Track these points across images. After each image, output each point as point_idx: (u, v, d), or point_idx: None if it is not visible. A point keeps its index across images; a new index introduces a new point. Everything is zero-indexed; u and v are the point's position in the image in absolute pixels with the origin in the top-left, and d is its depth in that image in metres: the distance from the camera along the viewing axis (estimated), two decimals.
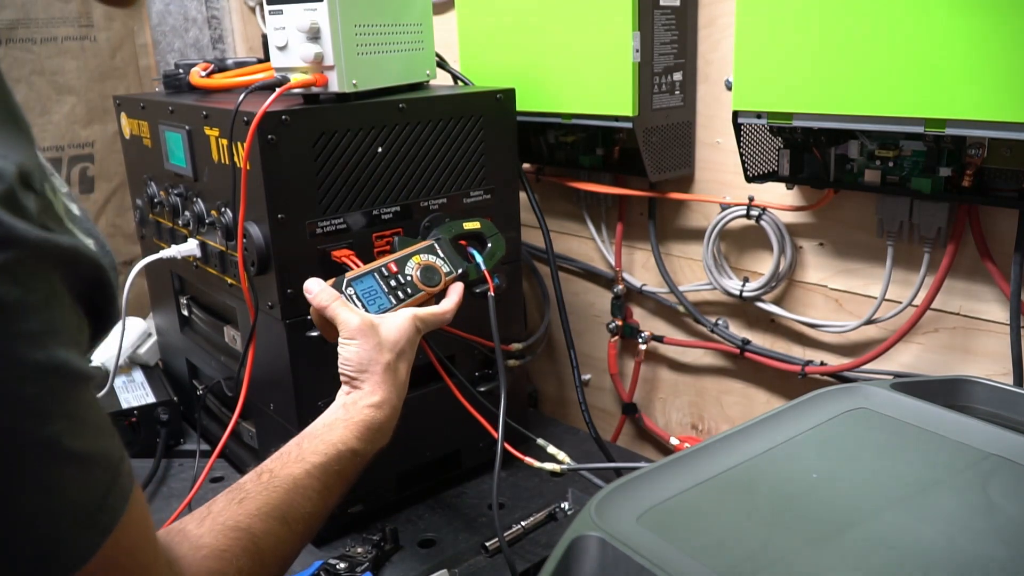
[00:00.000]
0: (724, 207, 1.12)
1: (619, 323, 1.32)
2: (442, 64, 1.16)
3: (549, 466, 0.94)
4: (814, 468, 0.64)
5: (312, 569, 0.92)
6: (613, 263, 1.30)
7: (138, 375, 1.35)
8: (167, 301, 1.32)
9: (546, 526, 1.02)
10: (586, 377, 1.44)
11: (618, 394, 1.37)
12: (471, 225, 0.98)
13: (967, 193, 0.89)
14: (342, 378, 0.79)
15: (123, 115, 1.29)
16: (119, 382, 1.31)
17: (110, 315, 0.45)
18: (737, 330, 1.20)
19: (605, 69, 1.07)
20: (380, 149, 0.96)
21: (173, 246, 1.11)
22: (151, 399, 1.25)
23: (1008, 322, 0.92)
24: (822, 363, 1.09)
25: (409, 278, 0.89)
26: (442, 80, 1.14)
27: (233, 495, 0.64)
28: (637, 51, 1.05)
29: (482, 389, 1.05)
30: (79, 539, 0.42)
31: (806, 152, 1.01)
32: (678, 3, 1.09)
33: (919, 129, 0.82)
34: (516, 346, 1.16)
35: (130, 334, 1.36)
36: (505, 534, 0.98)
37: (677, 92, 1.13)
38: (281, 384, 0.97)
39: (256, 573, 0.61)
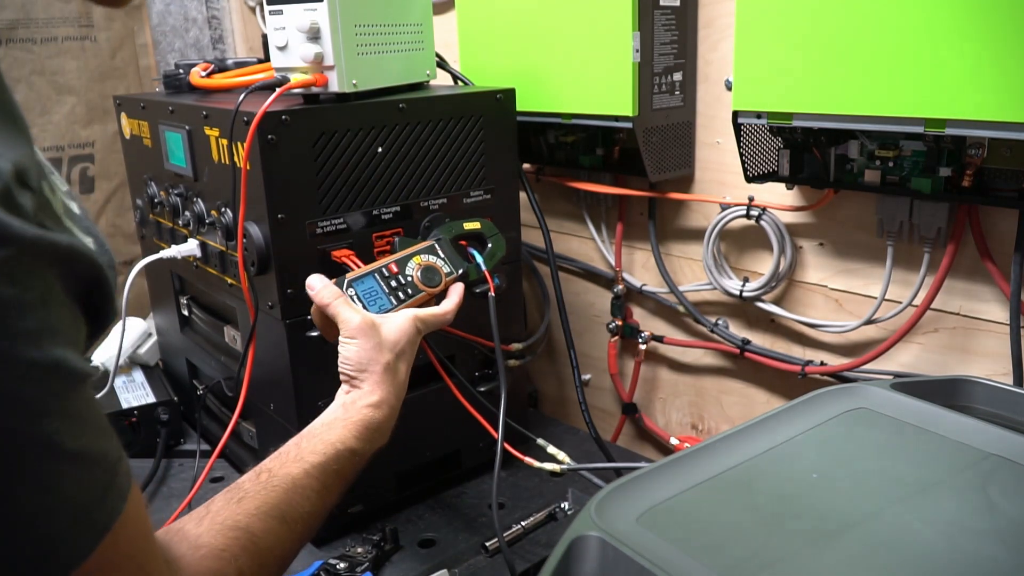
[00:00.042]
0: (724, 207, 1.12)
1: (619, 323, 1.32)
2: (442, 64, 1.16)
3: (549, 466, 0.94)
4: (814, 468, 0.64)
5: (312, 569, 0.92)
6: (613, 263, 1.30)
7: (138, 375, 1.35)
8: (167, 301, 1.32)
9: (546, 526, 1.02)
10: (586, 377, 1.44)
11: (618, 394, 1.37)
12: (471, 225, 0.98)
13: (967, 193, 0.89)
14: (341, 377, 0.79)
15: (123, 115, 1.29)
16: (119, 382, 1.31)
17: (108, 314, 0.45)
18: (737, 330, 1.20)
19: (605, 69, 1.07)
20: (380, 149, 0.96)
21: (173, 246, 1.11)
22: (151, 399, 1.25)
23: (1008, 322, 0.92)
24: (822, 363, 1.09)
25: (410, 279, 0.89)
26: (442, 80, 1.14)
27: (232, 494, 0.64)
28: (637, 51, 1.05)
29: (482, 389, 1.05)
30: (77, 538, 0.42)
31: (806, 152, 1.01)
32: (678, 3, 1.09)
33: (919, 129, 0.82)
34: (516, 346, 1.16)
35: (130, 334, 1.36)
36: (505, 534, 0.98)
37: (677, 92, 1.13)
38: (281, 384, 0.97)
39: (255, 572, 0.61)
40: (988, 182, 0.89)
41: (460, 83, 1.17)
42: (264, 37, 1.63)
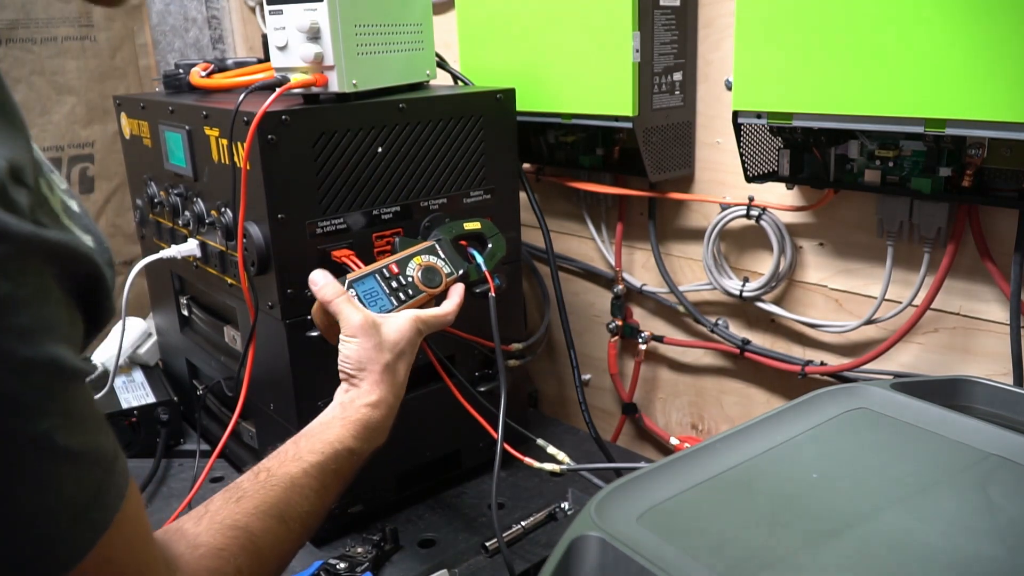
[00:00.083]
0: (724, 207, 1.12)
1: (619, 323, 1.32)
2: (442, 64, 1.16)
3: (549, 466, 0.94)
4: (814, 468, 0.64)
5: (312, 569, 0.92)
6: (613, 263, 1.30)
7: (138, 375, 1.35)
8: (167, 301, 1.32)
9: (546, 526, 1.02)
10: (586, 377, 1.44)
11: (618, 394, 1.37)
12: (471, 225, 0.98)
13: (967, 193, 0.89)
14: (341, 376, 0.80)
15: (123, 115, 1.29)
16: (119, 382, 1.31)
17: (106, 312, 0.44)
18: (737, 330, 1.20)
19: (605, 69, 1.07)
20: (380, 149, 0.96)
21: (173, 246, 1.11)
22: (151, 399, 1.25)
23: (1008, 322, 0.92)
24: (822, 363, 1.09)
25: (410, 279, 0.89)
26: (442, 80, 1.14)
27: (230, 494, 0.64)
28: (637, 51, 1.05)
29: (482, 389, 1.05)
30: (73, 536, 0.42)
31: (806, 152, 1.01)
32: (678, 3, 1.09)
33: (919, 129, 0.82)
34: (516, 346, 1.16)
35: (130, 334, 1.36)
36: (505, 534, 0.98)
37: (677, 92, 1.13)
38: (281, 384, 0.97)
39: (254, 571, 0.61)
40: (988, 182, 0.89)
41: (460, 83, 1.17)
42: (264, 37, 1.63)
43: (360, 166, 0.95)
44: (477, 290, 0.96)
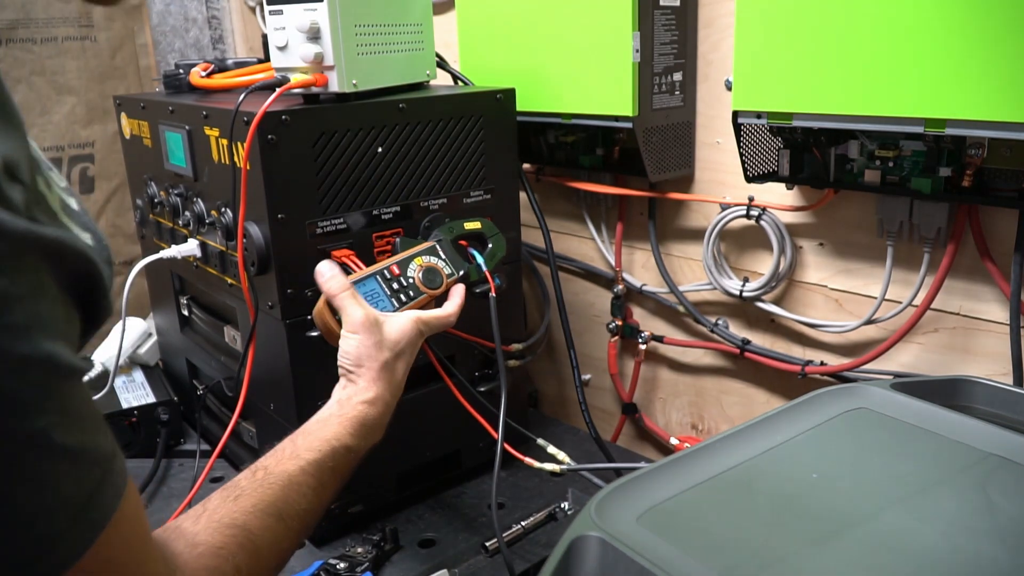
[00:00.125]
0: (724, 207, 1.12)
1: (619, 323, 1.32)
2: (442, 64, 1.16)
3: (549, 466, 0.94)
4: (814, 468, 0.64)
5: (312, 569, 0.92)
6: (613, 263, 1.30)
7: (138, 375, 1.35)
8: (167, 301, 1.32)
9: (546, 526, 1.02)
10: (586, 377, 1.44)
11: (618, 394, 1.37)
12: (472, 225, 0.98)
13: (967, 193, 0.89)
14: (340, 371, 0.80)
15: (123, 115, 1.29)
16: (119, 382, 1.31)
17: (103, 310, 0.44)
18: (737, 330, 1.20)
19: (605, 69, 1.07)
20: (380, 149, 0.96)
21: (173, 246, 1.11)
22: (151, 399, 1.25)
23: (1008, 322, 0.92)
24: (822, 363, 1.09)
25: (411, 280, 0.89)
26: (442, 80, 1.14)
27: (228, 492, 0.64)
28: (637, 51, 1.05)
29: (482, 389, 1.05)
30: (71, 535, 0.42)
31: (806, 152, 1.01)
32: (678, 3, 1.09)
33: (919, 129, 0.82)
34: (516, 346, 1.16)
35: (130, 334, 1.36)
36: (505, 534, 0.98)
37: (677, 92, 1.13)
38: (281, 384, 0.97)
39: (253, 569, 0.61)
40: (988, 182, 0.89)
41: (460, 83, 1.17)
42: (264, 37, 1.63)
43: (360, 166, 0.95)
44: (477, 290, 0.96)
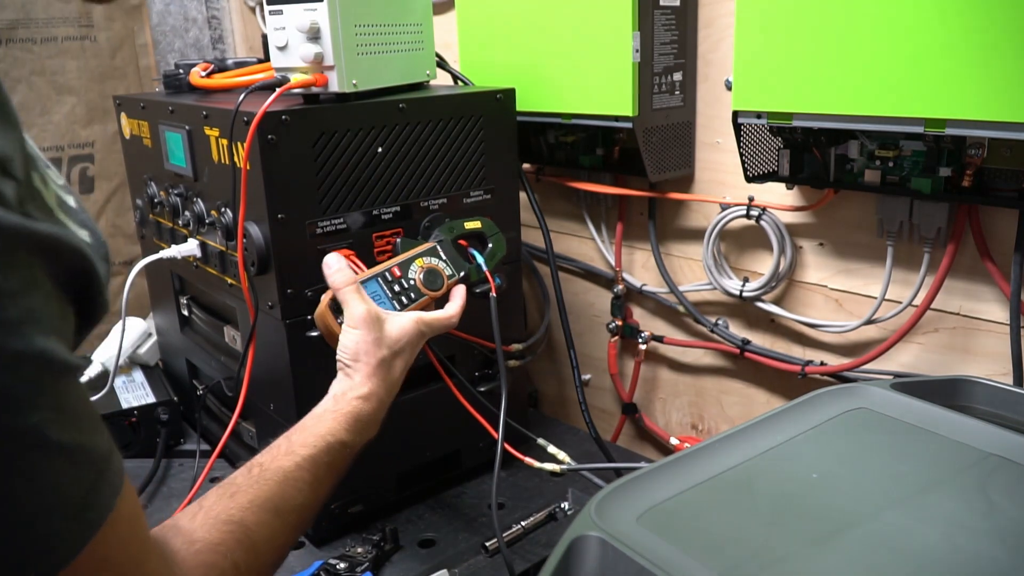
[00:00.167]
0: (724, 207, 1.12)
1: (619, 323, 1.32)
2: (442, 64, 1.16)
3: (549, 466, 0.94)
4: (814, 468, 0.63)
5: (312, 569, 0.92)
6: (613, 263, 1.30)
7: (138, 375, 1.35)
8: (167, 301, 1.32)
9: (546, 526, 1.02)
10: (586, 377, 1.44)
11: (618, 394, 1.37)
12: (472, 224, 0.98)
13: (967, 193, 0.89)
14: (338, 365, 0.81)
15: (123, 115, 1.29)
16: (119, 382, 1.31)
17: (98, 307, 0.44)
18: (737, 330, 1.20)
19: (605, 69, 1.07)
20: (380, 149, 0.96)
21: (173, 246, 1.11)
22: (151, 399, 1.25)
23: (1008, 322, 0.92)
24: (822, 363, 1.09)
25: (412, 282, 0.89)
26: (442, 80, 1.14)
27: (224, 490, 0.65)
28: (637, 51, 1.05)
29: (482, 389, 1.05)
30: (67, 534, 0.41)
31: (806, 152, 1.01)
32: (678, 3, 1.09)
33: (919, 129, 0.82)
34: (516, 346, 1.16)
35: (130, 334, 1.36)
36: (505, 534, 0.98)
37: (677, 92, 1.13)
38: (281, 384, 0.97)
39: (251, 565, 0.61)
40: (988, 182, 0.89)
41: (460, 83, 1.17)
42: (264, 37, 1.63)
43: (360, 166, 0.95)
44: (477, 290, 0.96)
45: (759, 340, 1.18)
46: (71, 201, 0.44)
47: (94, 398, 1.19)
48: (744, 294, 1.13)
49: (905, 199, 0.95)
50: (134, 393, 1.28)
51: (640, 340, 1.30)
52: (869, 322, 1.02)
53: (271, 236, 0.90)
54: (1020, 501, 0.58)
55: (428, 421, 1.06)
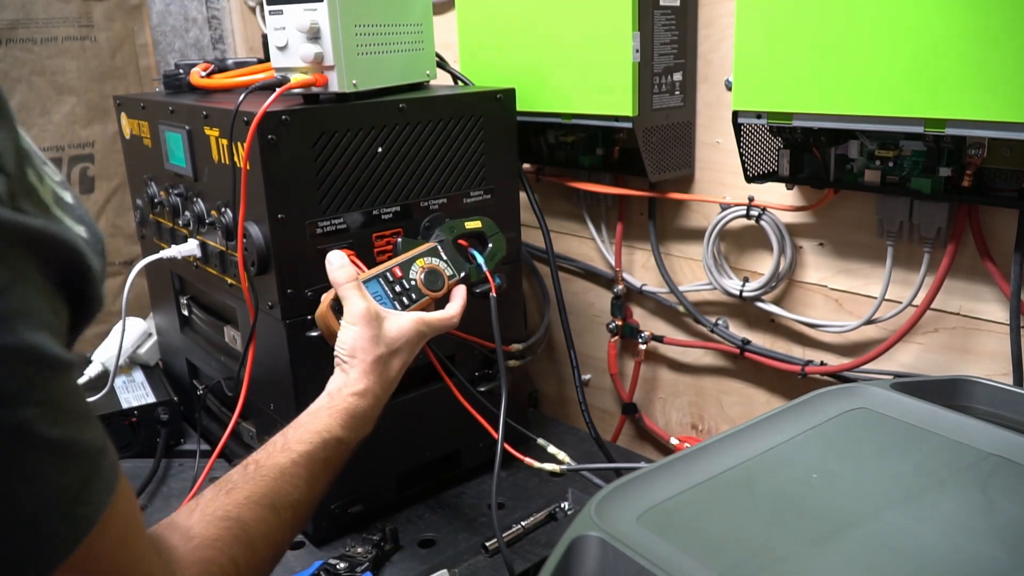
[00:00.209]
0: (724, 207, 1.12)
1: (619, 323, 1.32)
2: (442, 64, 1.16)
3: (549, 466, 0.94)
4: (814, 468, 0.64)
5: (312, 569, 0.92)
6: (613, 263, 1.30)
7: (138, 375, 1.35)
8: (167, 301, 1.32)
9: (546, 526, 1.02)
10: (586, 377, 1.44)
11: (618, 394, 1.37)
12: (473, 224, 0.98)
13: (967, 193, 0.89)
14: (336, 361, 0.81)
15: (123, 115, 1.29)
16: (119, 382, 1.31)
17: (93, 302, 0.43)
18: (737, 330, 1.20)
19: (605, 69, 1.07)
20: (380, 149, 0.96)
21: (173, 246, 1.11)
22: (151, 399, 1.25)
23: (1008, 322, 0.92)
24: (822, 363, 1.09)
25: (413, 283, 0.89)
26: (442, 80, 1.14)
27: (221, 487, 0.65)
28: (637, 51, 1.05)
29: (482, 389, 1.05)
30: (61, 531, 0.41)
31: (806, 152, 1.01)
32: (678, 3, 1.09)
33: (919, 129, 0.82)
34: (516, 346, 1.16)
35: (130, 334, 1.36)
36: (505, 534, 0.98)
37: (677, 92, 1.13)
38: (281, 384, 0.97)
39: (249, 560, 0.61)
40: (988, 182, 0.89)
41: (460, 83, 1.17)
42: (264, 37, 1.63)
43: (360, 166, 0.95)
44: (477, 290, 0.96)
45: (759, 340, 1.18)
46: (68, 197, 0.44)
47: (94, 398, 1.19)
48: (744, 294, 1.13)
49: (905, 199, 0.95)
50: (134, 393, 1.28)
51: (640, 340, 1.30)
52: (869, 322, 1.02)
53: (271, 236, 0.90)
54: (1020, 501, 0.58)
55: (428, 421, 1.06)
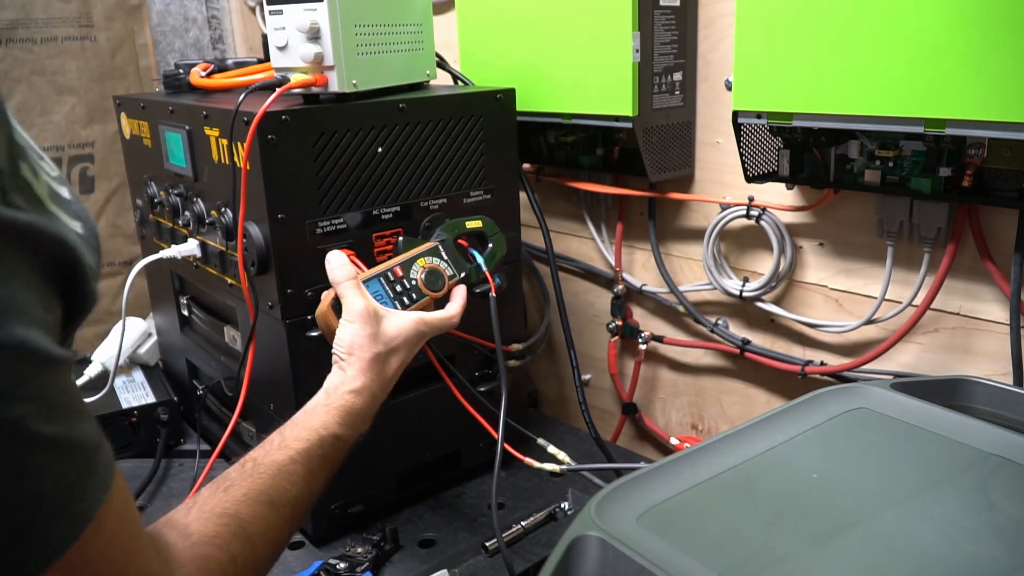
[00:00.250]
0: (724, 207, 1.12)
1: (619, 323, 1.32)
2: (442, 64, 1.16)
3: (549, 466, 0.94)
4: (814, 468, 0.64)
5: (312, 569, 0.92)
6: (613, 263, 1.30)
7: (138, 375, 1.35)
8: (167, 301, 1.32)
9: (546, 526, 1.02)
10: (586, 377, 1.44)
11: (618, 394, 1.37)
12: (473, 224, 0.98)
13: (967, 193, 0.89)
14: (333, 358, 0.81)
15: (123, 115, 1.29)
16: (119, 382, 1.31)
17: (86, 298, 0.43)
18: (737, 330, 1.20)
19: (605, 69, 1.07)
20: (380, 149, 0.96)
21: (173, 246, 1.11)
22: (151, 399, 1.25)
23: (1008, 322, 0.92)
24: (822, 363, 1.09)
25: (414, 283, 0.89)
26: (442, 80, 1.14)
27: (218, 484, 0.65)
28: (637, 51, 1.05)
29: (482, 389, 1.05)
30: (55, 528, 0.41)
31: (806, 152, 1.01)
32: (678, 3, 1.09)
33: (919, 129, 0.82)
34: (516, 346, 1.16)
35: (130, 334, 1.36)
36: (505, 534, 0.98)
37: (677, 92, 1.13)
38: (281, 384, 0.97)
39: (248, 557, 0.61)
40: (988, 182, 0.89)
41: (460, 83, 1.17)
42: (264, 37, 1.63)
43: (360, 166, 0.95)
44: (477, 290, 0.96)
45: (759, 340, 1.18)
46: (64, 192, 0.44)
47: (94, 398, 1.19)
48: (744, 294, 1.13)
49: (905, 199, 0.95)
50: (134, 393, 1.28)
51: (640, 340, 1.30)
52: (869, 322, 1.02)
53: (271, 236, 0.90)
54: (1020, 501, 0.58)
55: (428, 421, 1.06)
